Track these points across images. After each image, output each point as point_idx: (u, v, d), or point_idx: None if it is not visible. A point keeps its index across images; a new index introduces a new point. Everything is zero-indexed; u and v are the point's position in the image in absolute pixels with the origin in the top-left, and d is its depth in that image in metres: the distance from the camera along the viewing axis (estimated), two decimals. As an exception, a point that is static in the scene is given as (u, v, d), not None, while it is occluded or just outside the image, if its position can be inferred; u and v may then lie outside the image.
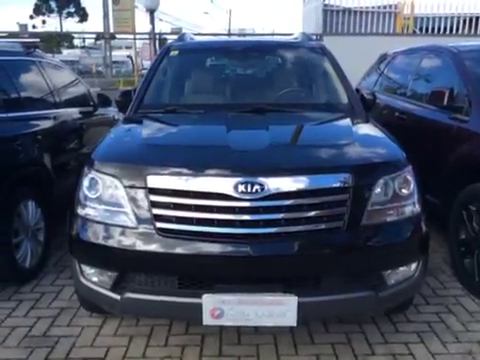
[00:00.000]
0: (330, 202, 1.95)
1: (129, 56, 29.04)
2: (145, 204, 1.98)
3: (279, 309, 1.90)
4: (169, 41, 5.51)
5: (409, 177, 2.14)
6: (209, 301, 1.89)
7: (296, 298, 1.88)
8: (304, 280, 1.96)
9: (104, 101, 5.20)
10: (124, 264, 2.02)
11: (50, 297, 2.96)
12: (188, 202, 1.95)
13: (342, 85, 3.23)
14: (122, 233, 2.00)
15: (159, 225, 1.95)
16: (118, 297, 2.01)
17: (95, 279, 2.09)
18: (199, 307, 1.90)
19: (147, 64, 25.19)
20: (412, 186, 2.13)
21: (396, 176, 2.09)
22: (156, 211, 1.96)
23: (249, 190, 1.90)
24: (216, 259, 1.92)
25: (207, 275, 1.96)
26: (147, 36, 11.60)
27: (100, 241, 2.03)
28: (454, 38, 8.28)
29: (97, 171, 2.12)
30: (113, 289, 2.03)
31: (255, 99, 3.05)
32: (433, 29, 9.74)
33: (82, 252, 2.12)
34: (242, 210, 1.91)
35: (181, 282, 1.96)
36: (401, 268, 2.05)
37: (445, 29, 9.64)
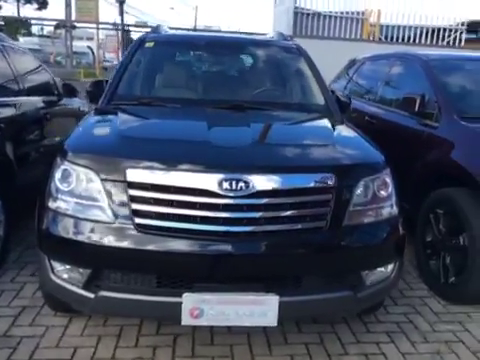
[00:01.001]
0: (314, 202, 1.95)
1: (89, 47, 28.22)
2: (123, 198, 1.89)
3: (260, 309, 1.87)
4: (134, 34, 5.36)
5: (388, 179, 2.17)
6: (189, 300, 1.83)
7: (277, 298, 1.85)
8: (285, 279, 1.94)
9: (69, 91, 5.00)
10: (98, 261, 1.92)
11: (10, 295, 2.79)
12: (169, 198, 1.88)
13: (318, 86, 3.25)
14: (97, 228, 1.90)
15: (138, 221, 1.87)
16: (91, 295, 1.91)
17: (66, 276, 1.97)
18: (178, 306, 1.84)
19: (110, 56, 24.64)
20: (390, 188, 2.16)
21: (375, 178, 2.11)
22: (135, 206, 1.88)
23: (233, 187, 1.86)
24: (197, 257, 1.87)
25: (187, 273, 1.90)
26: (111, 27, 11.22)
27: (73, 236, 1.92)
28: (417, 47, 8.56)
29: (71, 162, 2.01)
30: (85, 287, 1.93)
31: (232, 96, 3.01)
32: (397, 38, 10.07)
33: (53, 248, 2.00)
34: (225, 207, 1.87)
35: (159, 280, 1.89)
36: (379, 269, 2.07)
37: (409, 38, 9.99)
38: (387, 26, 10.02)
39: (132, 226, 1.87)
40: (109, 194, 1.91)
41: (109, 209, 1.90)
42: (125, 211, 1.88)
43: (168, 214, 1.87)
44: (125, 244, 1.87)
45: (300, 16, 8.99)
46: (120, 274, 1.91)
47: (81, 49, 27.03)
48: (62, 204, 1.98)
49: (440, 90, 3.45)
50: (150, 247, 1.86)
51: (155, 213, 1.88)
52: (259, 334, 2.47)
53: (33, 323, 2.52)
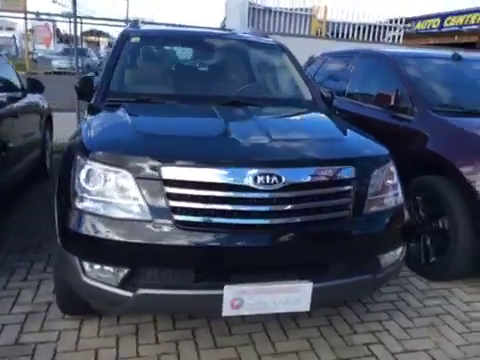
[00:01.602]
0: (338, 193, 2.09)
1: (13, 37, 26.44)
2: (161, 196, 1.91)
3: (295, 296, 1.98)
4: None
5: (393, 169, 2.36)
6: (230, 292, 1.90)
7: (311, 284, 1.97)
8: (316, 267, 2.06)
9: (34, 86, 4.77)
10: (137, 259, 1.92)
11: (8, 302, 2.68)
12: (206, 194, 1.92)
13: (304, 82, 3.41)
14: (135, 227, 1.90)
15: (177, 217, 1.90)
16: (130, 294, 1.91)
17: (100, 277, 1.95)
18: (219, 298, 1.90)
19: (39, 48, 23.22)
20: (396, 178, 2.35)
21: (385, 168, 2.29)
22: (173, 203, 1.90)
23: (267, 181, 1.94)
24: (235, 250, 1.94)
25: (226, 266, 1.96)
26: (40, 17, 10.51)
27: (110, 236, 1.90)
28: (362, 43, 9.03)
29: (99, 162, 1.98)
30: (122, 286, 1.92)
31: (229, 92, 3.07)
32: (342, 34, 10.54)
33: (86, 249, 1.97)
34: (260, 201, 1.95)
35: (198, 274, 1.94)
36: (391, 252, 2.26)
37: (353, 35, 10.50)
38: (333, 23, 10.46)
39: (171, 223, 1.89)
40: (145, 193, 1.92)
41: (146, 207, 1.91)
42: (163, 209, 1.90)
43: (205, 209, 1.92)
44: (165, 241, 1.89)
45: (253, 11, 9.15)
46: (157, 271, 1.93)
47: (2, 41, 25.23)
48: (93, 204, 1.95)
49: (412, 86, 3.74)
50: (189, 243, 1.89)
51: (193, 209, 1.91)
52: (273, 321, 2.58)
53: (43, 329, 2.45)
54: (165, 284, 1.92)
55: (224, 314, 1.94)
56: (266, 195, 1.95)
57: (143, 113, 2.63)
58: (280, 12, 9.65)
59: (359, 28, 10.63)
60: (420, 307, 2.87)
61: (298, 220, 1.99)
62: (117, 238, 1.91)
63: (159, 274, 1.93)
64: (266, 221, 1.95)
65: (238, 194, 1.93)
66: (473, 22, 20.51)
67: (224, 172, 1.95)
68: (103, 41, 31.72)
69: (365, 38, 10.55)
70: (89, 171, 2.00)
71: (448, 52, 4.44)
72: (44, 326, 2.47)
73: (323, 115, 2.88)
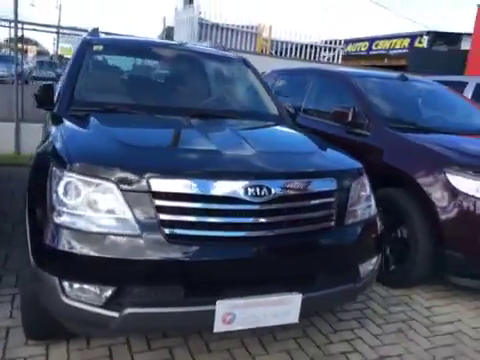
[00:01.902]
0: (323, 204, 2.13)
1: None
2: (149, 209, 1.83)
3: (284, 308, 1.97)
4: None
5: (367, 181, 2.46)
6: (222, 307, 1.85)
7: (300, 296, 1.98)
8: (305, 278, 2.08)
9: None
10: (124, 277, 1.82)
11: (-41, 330, 2.42)
12: (197, 206, 1.88)
13: (270, 96, 3.48)
14: (121, 242, 1.80)
15: (166, 231, 1.83)
16: (115, 314, 1.80)
17: (82, 297, 1.82)
18: (211, 314, 1.85)
19: None
20: (369, 190, 2.45)
21: (360, 181, 2.38)
22: (163, 216, 1.84)
23: (258, 193, 1.94)
24: (227, 263, 1.90)
25: (218, 280, 1.91)
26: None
27: (93, 253, 1.79)
28: (304, 62, 9.40)
29: (80, 174, 1.87)
30: (107, 306, 1.81)
31: (197, 104, 3.07)
32: (286, 52, 10.93)
33: (66, 267, 1.82)
34: (251, 213, 1.94)
35: (188, 290, 1.87)
36: (369, 261, 2.33)
37: (295, 53, 10.92)
38: (276, 41, 10.81)
39: (160, 237, 1.82)
40: (132, 206, 1.83)
41: (134, 221, 1.82)
42: (152, 222, 1.83)
43: (196, 222, 1.87)
44: (154, 256, 1.81)
45: (202, 26, 9.20)
46: (145, 288, 1.84)
47: None
48: (74, 219, 1.83)
49: (368, 103, 3.95)
50: (180, 257, 1.83)
51: (184, 222, 1.86)
52: (249, 336, 2.56)
53: (5, 357, 2.23)
54: (154, 302, 1.84)
55: (216, 330, 1.89)
56: (257, 207, 1.95)
57: (117, 124, 2.53)
58: (227, 28, 9.80)
59: (301, 47, 11.07)
60: (386, 314, 2.99)
61: (287, 231, 2.00)
62: (101, 255, 1.80)
63: (147, 291, 1.84)
64: (257, 233, 1.94)
65: (229, 206, 1.91)
66: (398, 46, 22.18)
67: (216, 184, 1.92)
68: (32, 49, 30.46)
69: (306, 57, 11.00)
70: (68, 183, 1.88)
71: (395, 74, 4.75)
72: (6, 354, 2.26)
73: (293, 130, 2.95)
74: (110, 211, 1.84)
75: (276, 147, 2.51)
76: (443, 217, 3.04)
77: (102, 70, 3.24)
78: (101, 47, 3.26)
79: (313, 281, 2.09)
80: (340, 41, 11.68)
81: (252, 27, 10.27)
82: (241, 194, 1.92)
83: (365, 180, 2.44)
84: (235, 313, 1.89)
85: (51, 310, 1.92)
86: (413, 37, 21.16)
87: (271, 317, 1.97)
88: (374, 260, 2.39)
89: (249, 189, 1.93)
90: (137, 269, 1.82)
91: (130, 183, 1.86)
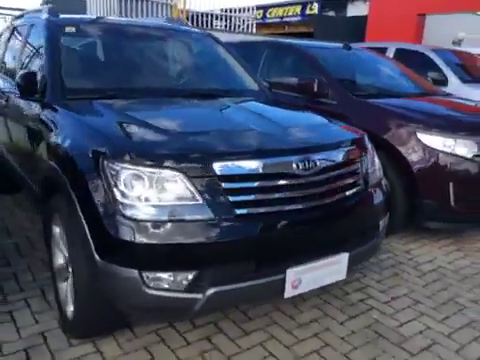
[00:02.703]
0: (354, 170, 2.35)
1: None
2: (218, 193, 1.88)
3: (336, 267, 2.19)
4: None
5: (373, 147, 2.72)
6: (291, 274, 2.00)
7: (347, 254, 2.21)
8: (348, 238, 2.29)
9: None
10: (204, 259, 1.87)
11: (-11, 344, 2.26)
12: (259, 185, 1.97)
13: (246, 71, 3.56)
14: (197, 227, 1.84)
15: (237, 211, 1.91)
16: (199, 296, 1.85)
17: (164, 285, 1.84)
18: (282, 282, 2.00)
19: None
20: (375, 154, 2.72)
21: (370, 147, 2.63)
22: (231, 198, 1.91)
23: (307, 166, 2.09)
24: (292, 234, 2.04)
25: (286, 250, 2.04)
26: None
27: (171, 241, 1.81)
28: (220, 33, 9.44)
29: (142, 165, 1.85)
30: (190, 290, 1.85)
31: (192, 85, 3.08)
32: (202, 23, 10.83)
33: (146, 259, 1.82)
34: (305, 186, 2.08)
35: (260, 263, 1.98)
36: (385, 217, 2.62)
37: (212, 24, 10.88)
38: (192, 12, 10.63)
39: (232, 217, 1.89)
40: (201, 191, 1.87)
41: (206, 206, 1.86)
42: (223, 204, 1.89)
43: (261, 200, 1.97)
44: (229, 237, 1.89)
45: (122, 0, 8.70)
46: (223, 267, 1.92)
47: None
48: (147, 211, 1.82)
49: (329, 74, 4.22)
50: (252, 234, 1.93)
51: (250, 201, 1.95)
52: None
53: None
54: (232, 278, 1.92)
55: (286, 295, 2.05)
56: (308, 179, 2.10)
57: (135, 110, 2.47)
58: (142, 0, 9.40)
59: (217, 17, 11.04)
60: (379, 262, 3.36)
61: (334, 199, 2.19)
62: (179, 242, 1.83)
63: (225, 270, 1.92)
64: (311, 203, 2.10)
65: (287, 181, 2.04)
66: (291, 13, 22.99)
67: (273, 161, 2.03)
68: None
69: (222, 26, 11.03)
70: (132, 175, 1.85)
71: (339, 43, 5.08)
72: (57, 358, 2.18)
73: (285, 104, 3.11)
74: (181, 198, 1.86)
75: (295, 122, 2.65)
76: (417, 171, 3.46)
77: (84, 54, 3.05)
78: (74, 29, 3.05)
79: (354, 240, 2.32)
80: (254, 8, 11.81)
81: (167, -2, 9.97)
82: (294, 169, 2.05)
83: (372, 146, 2.70)
84: (301, 278, 2.06)
85: (131, 303, 1.90)
86: (304, 4, 22.05)
87: (326, 277, 2.18)
88: (387, 216, 2.69)
89: (300, 164, 2.07)
90: (215, 250, 1.89)
91: (196, 169, 1.89)
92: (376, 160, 2.65)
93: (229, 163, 1.94)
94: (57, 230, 2.39)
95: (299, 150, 2.13)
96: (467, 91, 5.41)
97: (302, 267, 2.05)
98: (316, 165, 2.13)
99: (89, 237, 1.90)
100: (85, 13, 8.77)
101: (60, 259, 2.45)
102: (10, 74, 3.58)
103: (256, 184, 1.98)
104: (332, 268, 2.18)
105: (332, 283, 2.28)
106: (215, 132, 2.19)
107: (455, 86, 5.74)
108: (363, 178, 2.41)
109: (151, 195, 1.84)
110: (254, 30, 11.80)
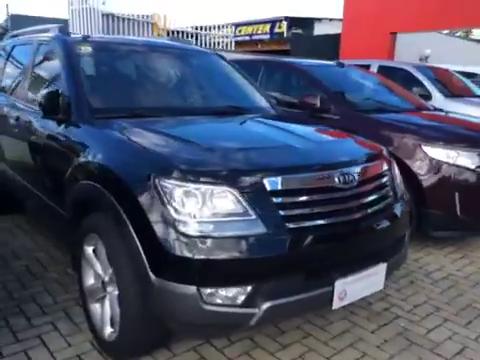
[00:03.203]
0: (385, 182, 2.44)
1: None
2: (270, 208, 1.92)
3: (375, 278, 2.24)
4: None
5: (392, 161, 2.81)
6: (339, 285, 2.04)
7: (385, 264, 2.27)
8: (385, 249, 2.35)
9: None
10: (260, 274, 1.88)
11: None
12: (307, 199, 2.02)
13: (256, 89, 3.64)
14: (252, 242, 1.86)
15: (289, 225, 1.94)
16: (255, 310, 1.86)
17: (221, 300, 1.84)
18: (330, 294, 2.03)
19: None
20: (396, 167, 2.81)
21: (392, 161, 2.73)
22: (282, 212, 1.94)
23: (348, 180, 2.15)
24: (339, 246, 2.09)
25: (334, 263, 2.09)
26: None
27: (229, 257, 1.82)
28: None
29: (196, 182, 1.87)
30: (246, 304, 1.86)
31: (211, 103, 3.13)
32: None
33: (204, 275, 1.82)
34: (347, 199, 2.14)
35: (311, 276, 2.01)
36: (409, 228, 2.70)
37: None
38: (173, 31, 10.71)
39: (284, 231, 1.93)
40: (254, 206, 1.89)
41: (259, 221, 1.89)
42: (275, 219, 1.91)
43: (309, 214, 2.01)
44: (283, 250, 1.92)
45: (107, 18, 8.64)
46: (277, 281, 1.94)
47: None
48: (203, 227, 1.82)
49: (330, 90, 4.35)
50: (303, 247, 1.96)
51: (300, 215, 1.99)
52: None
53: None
54: (285, 292, 1.94)
55: (334, 307, 2.08)
56: (349, 193, 2.16)
57: (170, 128, 2.50)
58: (124, 18, 9.40)
59: (196, 36, 11.17)
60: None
61: (373, 210, 2.26)
62: (236, 257, 1.85)
63: (278, 283, 1.94)
64: (353, 216, 2.16)
65: (331, 195, 2.09)
66: (261, 32, 23.47)
67: (318, 176, 2.09)
68: None
69: (203, 45, 11.15)
70: (187, 193, 1.86)
71: (332, 61, 5.26)
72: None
73: (302, 119, 3.20)
74: (235, 214, 1.88)
75: (324, 137, 2.74)
76: (423, 182, 3.60)
77: (103, 73, 3.03)
78: (89, 48, 3.05)
79: (389, 250, 2.39)
80: (224, 26, 12.00)
81: (147, 16, 10.01)
82: (336, 182, 2.12)
83: (392, 158, 2.80)
84: (346, 290, 2.10)
85: (187, 320, 1.89)
86: (273, 22, 22.56)
87: (365, 289, 2.23)
88: (409, 227, 2.79)
89: (340, 177, 2.14)
90: (269, 265, 1.91)
91: (248, 185, 1.92)
92: (398, 172, 2.75)
93: (278, 178, 1.98)
94: (89, 250, 2.35)
95: (339, 164, 2.20)
96: (452, 106, 5.67)
97: (347, 279, 2.09)
98: (354, 178, 2.20)
99: (143, 255, 1.88)
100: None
101: (91, 279, 2.41)
102: (18, 93, 3.51)
103: (303, 198, 2.02)
104: (372, 279, 2.23)
105: (369, 294, 2.34)
106: (259, 149, 2.23)
107: (439, 101, 6.01)
108: (393, 190, 2.50)
109: (206, 211, 1.85)
110: (233, 47, 11.99)
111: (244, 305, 1.88)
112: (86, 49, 3.03)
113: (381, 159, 2.51)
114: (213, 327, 1.96)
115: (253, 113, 3.17)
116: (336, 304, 2.09)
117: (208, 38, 11.34)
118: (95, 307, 2.37)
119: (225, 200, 1.88)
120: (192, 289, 1.82)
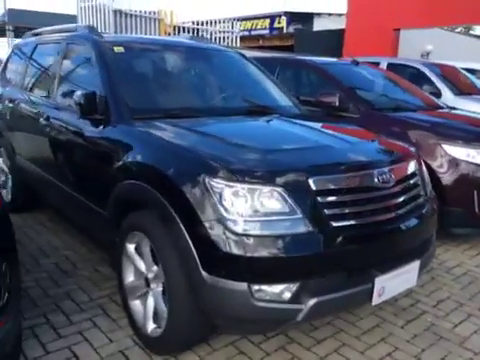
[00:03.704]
0: (416, 182, 2.51)
1: None
2: (315, 207, 1.99)
3: (410, 275, 2.32)
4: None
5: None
6: (378, 282, 2.12)
7: (419, 261, 2.35)
8: (418, 246, 2.43)
9: None
10: (307, 271, 1.96)
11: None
12: (348, 198, 2.09)
13: (279, 88, 3.69)
14: (299, 240, 1.94)
15: (333, 224, 2.01)
16: (302, 306, 1.94)
17: (270, 296, 1.92)
18: (370, 290, 2.11)
19: None
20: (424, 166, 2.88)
21: (421, 161, 2.80)
22: (327, 211, 2.01)
23: (385, 179, 2.22)
24: (380, 244, 2.17)
25: (375, 260, 2.17)
26: None
27: (278, 254, 1.89)
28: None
29: (246, 182, 1.94)
30: (294, 300, 1.94)
31: (243, 103, 3.20)
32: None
33: (255, 272, 1.90)
34: (386, 197, 2.22)
35: (353, 273, 2.09)
36: (436, 226, 2.77)
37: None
38: (179, 27, 10.71)
39: (329, 230, 2.00)
40: (300, 206, 1.96)
41: (306, 219, 1.96)
42: (320, 218, 1.99)
43: (352, 213, 2.09)
44: (328, 248, 1.99)
45: (118, 15, 8.66)
46: (322, 278, 2.01)
47: None
48: (254, 226, 1.90)
49: (350, 89, 4.42)
50: (347, 245, 2.04)
51: (343, 214, 2.06)
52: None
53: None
54: (329, 288, 2.02)
55: (373, 303, 2.16)
56: (388, 191, 2.23)
57: (212, 128, 2.57)
58: (131, 15, 9.41)
59: (203, 31, 11.18)
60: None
61: (408, 208, 2.33)
62: (285, 255, 1.92)
63: (323, 280, 2.02)
64: (392, 214, 2.23)
65: (371, 194, 2.17)
66: (260, 27, 23.42)
67: (359, 175, 2.17)
68: None
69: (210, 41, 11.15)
70: (237, 192, 1.93)
71: (348, 59, 5.31)
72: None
73: (330, 118, 3.27)
74: (283, 213, 1.95)
75: (357, 137, 2.80)
76: (443, 180, 3.68)
77: (136, 73, 3.08)
78: (122, 49, 3.09)
79: (422, 247, 2.47)
80: (237, 23, 12.01)
81: (154, 12, 10.02)
82: (376, 181, 2.19)
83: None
84: (385, 286, 2.18)
85: (237, 316, 1.96)
86: (272, 17, 22.51)
87: (401, 285, 2.31)
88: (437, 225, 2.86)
89: (379, 177, 2.21)
90: (315, 262, 1.99)
91: (294, 184, 1.99)
92: (426, 171, 2.83)
93: (323, 178, 2.05)
94: (131, 248, 2.42)
95: (377, 164, 2.27)
96: (462, 104, 5.74)
97: (386, 276, 2.17)
98: (391, 177, 2.27)
99: (194, 253, 1.95)
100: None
101: (132, 276, 2.47)
102: (47, 93, 3.54)
103: (346, 197, 2.09)
104: (407, 276, 2.31)
105: (404, 291, 2.42)
106: (302, 149, 2.31)
107: (450, 99, 6.08)
108: (423, 188, 2.57)
109: (255, 211, 1.92)
110: (238, 43, 12.01)
111: (291, 301, 1.95)
112: (119, 49, 3.08)
113: (412, 159, 2.58)
114: (262, 322, 2.03)
115: (281, 112, 3.23)
116: (375, 300, 2.16)
117: (213, 34, 11.33)
118: (136, 304, 2.44)
119: (274, 200, 1.95)
120: (243, 286, 1.90)
